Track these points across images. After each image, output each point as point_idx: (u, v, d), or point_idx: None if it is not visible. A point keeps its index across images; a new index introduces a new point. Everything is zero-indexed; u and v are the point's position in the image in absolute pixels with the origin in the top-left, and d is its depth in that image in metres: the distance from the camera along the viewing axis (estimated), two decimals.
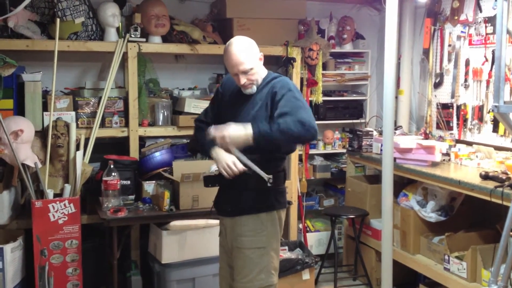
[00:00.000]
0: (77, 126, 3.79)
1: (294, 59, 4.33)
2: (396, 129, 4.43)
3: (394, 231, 3.88)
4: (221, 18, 4.36)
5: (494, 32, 3.80)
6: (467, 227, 3.78)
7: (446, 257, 3.59)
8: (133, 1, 4.17)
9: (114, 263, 3.54)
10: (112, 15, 3.89)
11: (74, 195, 3.62)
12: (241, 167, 2.58)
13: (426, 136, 4.36)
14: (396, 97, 4.39)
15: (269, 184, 2.62)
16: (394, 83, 3.41)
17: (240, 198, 2.72)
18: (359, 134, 4.53)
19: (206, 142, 2.69)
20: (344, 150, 4.84)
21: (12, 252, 3.38)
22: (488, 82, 3.96)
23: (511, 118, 2.83)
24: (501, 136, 3.88)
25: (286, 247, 4.16)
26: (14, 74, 3.55)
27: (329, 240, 4.45)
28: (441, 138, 4.24)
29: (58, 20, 3.65)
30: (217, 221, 3.05)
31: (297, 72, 4.39)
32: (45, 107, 3.74)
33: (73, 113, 3.81)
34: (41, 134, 3.72)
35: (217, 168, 2.71)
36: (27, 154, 3.50)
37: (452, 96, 4.30)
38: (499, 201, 3.06)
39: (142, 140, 4.05)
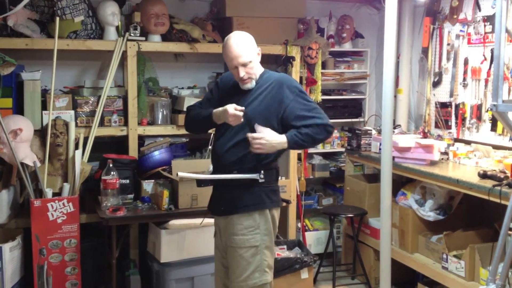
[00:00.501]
0: (76, 125, 3.79)
1: (293, 58, 4.34)
2: (394, 128, 4.43)
3: (392, 230, 3.89)
4: (221, 17, 4.36)
5: (493, 31, 3.81)
6: (465, 226, 3.79)
7: (445, 256, 3.59)
8: None
9: (113, 262, 3.54)
10: (111, 13, 3.89)
11: (73, 194, 3.63)
12: (240, 108, 2.63)
13: (425, 135, 4.36)
14: (395, 96, 4.39)
15: (260, 180, 2.66)
16: (393, 82, 3.42)
17: (233, 197, 2.73)
18: (358, 133, 4.53)
19: (204, 112, 2.78)
20: (343, 149, 4.84)
21: (11, 251, 3.38)
22: (486, 81, 3.97)
23: (509, 117, 2.84)
24: (500, 135, 3.88)
25: (285, 246, 4.16)
26: (13, 73, 3.55)
27: (328, 239, 4.45)
28: (439, 137, 4.24)
29: (57, 18, 3.65)
30: None
31: (297, 71, 4.39)
32: (44, 106, 3.74)
33: (72, 112, 3.81)
34: (40, 133, 3.72)
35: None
36: (26, 153, 3.50)
37: (451, 95, 4.31)
38: (497, 200, 3.06)
39: (141, 139, 4.05)
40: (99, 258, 3.88)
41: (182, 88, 4.37)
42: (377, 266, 4.08)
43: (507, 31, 2.69)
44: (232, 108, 2.62)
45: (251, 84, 2.73)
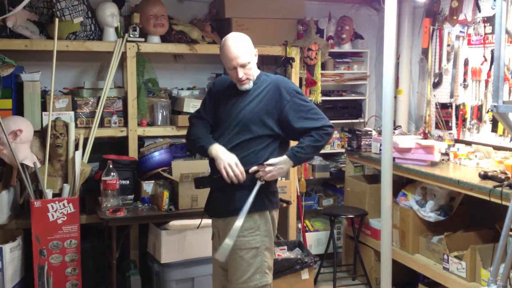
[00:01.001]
0: (76, 126, 3.79)
1: (293, 59, 4.34)
2: (395, 129, 4.43)
3: (393, 231, 3.88)
4: (220, 18, 4.36)
5: (493, 32, 3.81)
6: (466, 226, 3.78)
7: (445, 256, 3.59)
8: (132, 1, 4.17)
9: (113, 263, 3.54)
10: (111, 15, 3.89)
11: (73, 195, 3.62)
12: (242, 168, 2.61)
13: (425, 136, 4.36)
14: (395, 97, 4.38)
15: (260, 183, 2.65)
16: (393, 83, 3.42)
17: (232, 198, 2.72)
18: (358, 133, 4.53)
19: (205, 138, 2.73)
20: (343, 150, 4.84)
21: (11, 252, 3.38)
22: (487, 82, 3.96)
23: (510, 118, 2.84)
24: (500, 135, 3.88)
25: (285, 247, 4.16)
26: (12, 74, 3.54)
27: (328, 239, 4.45)
28: (440, 138, 4.24)
29: (56, 20, 3.65)
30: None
31: (296, 72, 4.39)
32: (44, 107, 3.74)
33: (72, 113, 3.81)
34: (40, 134, 3.71)
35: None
36: (26, 154, 3.50)
37: (451, 96, 4.31)
38: (498, 201, 3.06)
39: (141, 140, 4.05)
40: (100, 259, 3.88)
41: (182, 89, 4.38)
42: (377, 267, 4.08)
43: (507, 32, 2.68)
44: (233, 162, 2.63)
45: (249, 85, 2.73)
